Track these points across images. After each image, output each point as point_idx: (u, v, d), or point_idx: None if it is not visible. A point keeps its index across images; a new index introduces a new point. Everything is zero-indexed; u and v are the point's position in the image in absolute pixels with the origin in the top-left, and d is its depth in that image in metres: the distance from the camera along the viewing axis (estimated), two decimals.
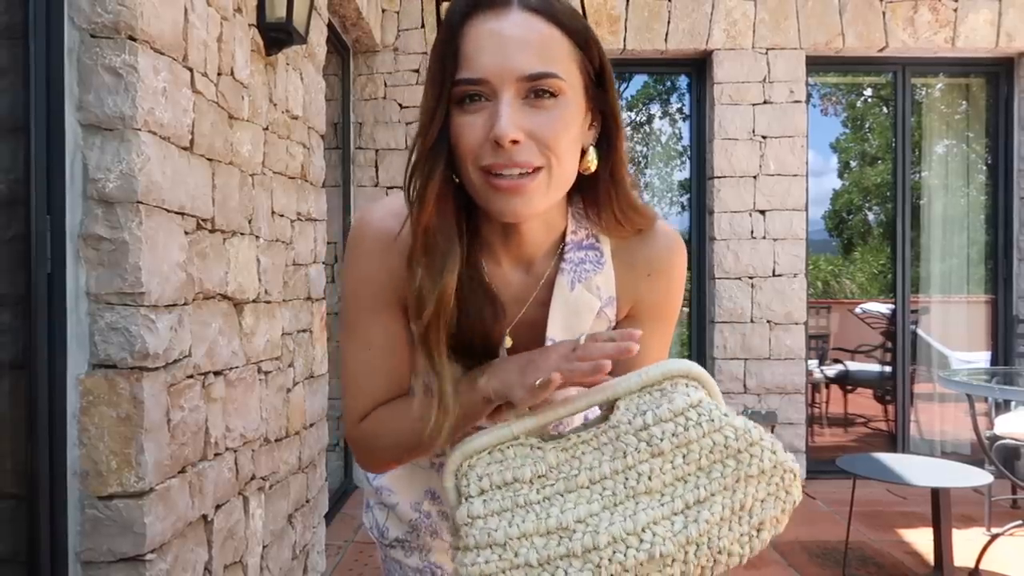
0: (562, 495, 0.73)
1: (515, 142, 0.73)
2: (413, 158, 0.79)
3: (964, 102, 4.87)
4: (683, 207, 4.74)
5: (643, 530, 0.70)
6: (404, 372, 0.89)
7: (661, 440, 0.73)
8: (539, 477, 0.74)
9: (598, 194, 0.85)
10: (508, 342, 0.86)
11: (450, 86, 0.75)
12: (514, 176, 0.74)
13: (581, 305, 0.86)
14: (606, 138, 0.84)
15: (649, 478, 0.72)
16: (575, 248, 0.87)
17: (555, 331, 0.85)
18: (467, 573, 0.73)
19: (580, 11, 0.81)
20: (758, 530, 0.73)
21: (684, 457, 0.73)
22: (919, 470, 2.71)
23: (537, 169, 0.75)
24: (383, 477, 1.01)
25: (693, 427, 0.73)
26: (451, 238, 0.80)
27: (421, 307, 0.79)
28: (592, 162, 0.83)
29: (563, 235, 0.87)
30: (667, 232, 0.90)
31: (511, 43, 0.74)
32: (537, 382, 0.72)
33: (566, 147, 0.76)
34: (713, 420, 0.73)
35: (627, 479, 0.73)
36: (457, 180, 0.80)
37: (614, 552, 0.70)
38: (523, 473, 0.74)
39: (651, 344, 0.90)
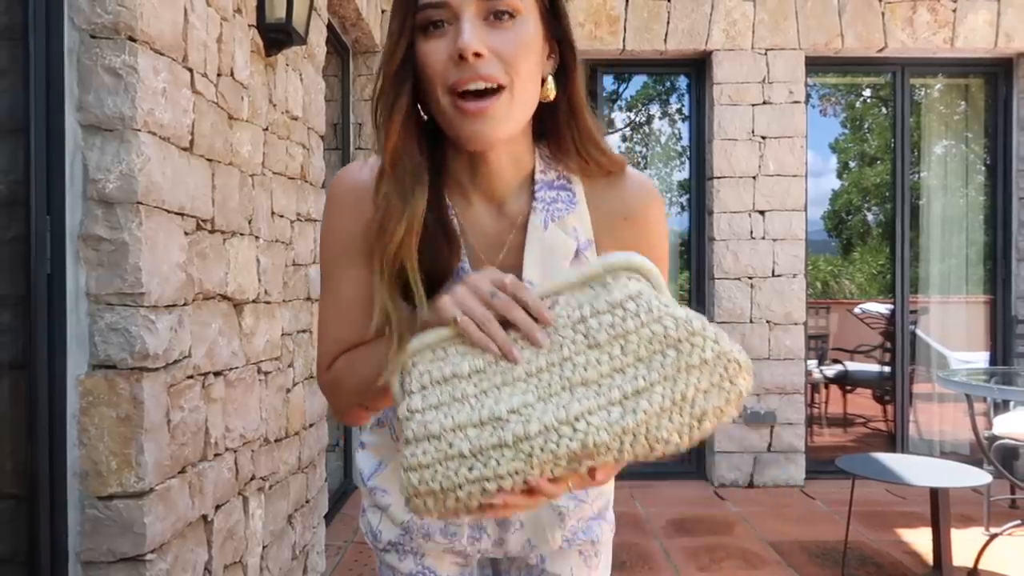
0: (498, 388, 0.73)
1: (478, 55, 0.75)
2: (379, 85, 0.82)
3: (963, 102, 4.87)
4: (682, 207, 4.75)
5: (576, 419, 0.70)
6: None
7: (598, 332, 0.72)
8: (477, 372, 0.74)
9: (559, 125, 0.87)
10: None
11: (413, 14, 0.78)
12: (480, 92, 0.77)
13: (557, 245, 0.87)
14: (564, 69, 0.86)
15: (585, 369, 0.72)
16: (546, 187, 0.88)
17: (532, 273, 0.86)
18: (407, 464, 0.74)
19: None
20: (699, 420, 0.72)
21: (622, 348, 0.72)
22: (918, 470, 2.71)
23: (500, 88, 0.77)
24: (376, 477, 1.01)
25: (631, 318, 0.72)
26: (418, 162, 0.82)
27: (388, 232, 0.80)
28: (551, 90, 0.85)
29: (532, 175, 0.89)
30: (640, 176, 0.92)
31: None
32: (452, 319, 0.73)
33: (527, 67, 0.79)
34: (652, 311, 0.72)
35: (563, 371, 0.73)
36: (426, 118, 0.83)
37: (546, 441, 0.70)
38: (461, 368, 0.74)
39: None
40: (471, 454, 0.72)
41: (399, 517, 0.99)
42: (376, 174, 0.85)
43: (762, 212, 4.29)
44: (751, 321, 4.28)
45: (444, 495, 0.73)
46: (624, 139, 5.27)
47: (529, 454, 0.70)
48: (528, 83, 0.80)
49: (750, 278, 4.29)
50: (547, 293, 0.75)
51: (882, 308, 4.90)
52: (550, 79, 0.86)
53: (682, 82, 4.80)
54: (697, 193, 4.51)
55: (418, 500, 0.73)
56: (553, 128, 0.88)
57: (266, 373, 2.31)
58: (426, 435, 0.73)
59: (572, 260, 0.88)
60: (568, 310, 0.74)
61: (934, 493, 2.72)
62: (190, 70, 1.79)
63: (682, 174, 4.79)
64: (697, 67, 4.49)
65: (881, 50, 4.32)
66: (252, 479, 2.18)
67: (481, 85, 0.77)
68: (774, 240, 4.29)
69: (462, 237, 0.86)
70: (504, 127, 0.79)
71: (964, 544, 3.14)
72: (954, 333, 4.78)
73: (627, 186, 0.90)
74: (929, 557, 3.00)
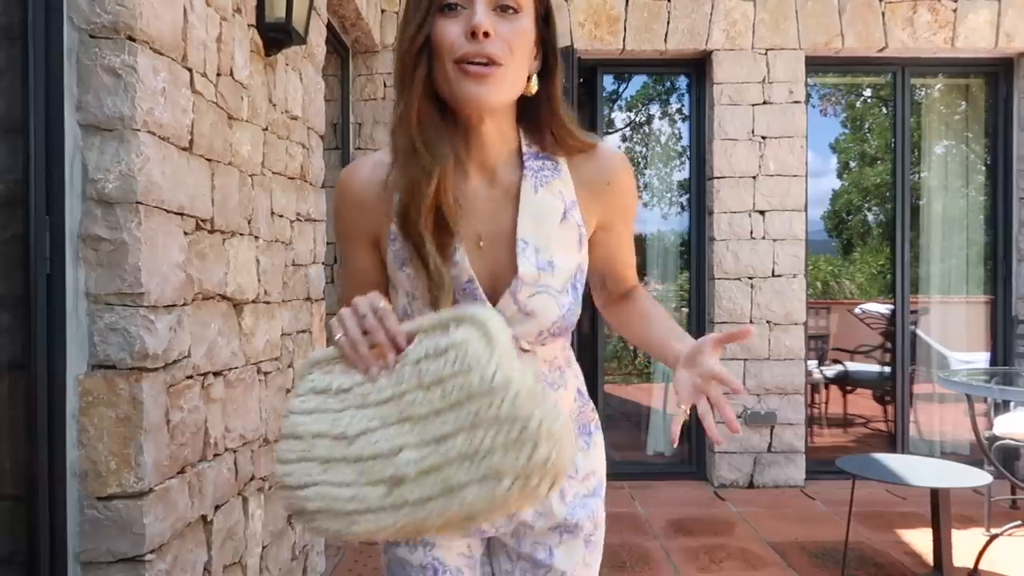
0: (356, 408, 0.83)
1: (487, 35, 0.90)
2: (403, 57, 0.95)
3: (963, 102, 4.87)
4: (682, 207, 4.74)
5: (398, 452, 0.78)
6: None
7: (426, 374, 0.79)
8: (343, 391, 0.85)
9: (539, 112, 1.02)
10: (480, 243, 0.99)
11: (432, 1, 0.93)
12: (479, 64, 0.91)
13: (546, 206, 1.00)
14: (547, 69, 1.02)
15: (412, 406, 0.79)
16: (532, 158, 1.03)
17: (525, 232, 0.98)
18: (277, 456, 0.87)
19: None
20: (498, 476, 0.73)
21: (440, 393, 0.78)
22: (919, 470, 2.71)
23: (498, 65, 0.92)
24: None
25: (449, 366, 0.78)
26: (439, 124, 0.96)
27: (418, 189, 0.93)
28: (534, 86, 1.00)
29: (519, 150, 1.03)
30: (611, 149, 1.09)
31: None
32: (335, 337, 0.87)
33: (520, 54, 0.94)
34: (467, 362, 0.76)
35: (399, 405, 0.80)
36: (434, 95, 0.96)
37: (374, 465, 0.79)
38: (332, 385, 0.86)
39: (624, 245, 1.12)
40: (322, 460, 0.83)
41: None
42: (388, 160, 0.99)
43: (762, 212, 4.29)
44: (751, 321, 4.28)
45: (294, 494, 0.83)
46: (624, 139, 5.27)
47: (361, 472, 0.80)
48: (519, 67, 0.95)
49: (750, 278, 4.29)
50: (413, 329, 0.84)
51: (882, 308, 4.89)
52: (535, 77, 1.00)
53: (682, 82, 4.80)
54: (697, 193, 4.51)
55: (280, 492, 0.84)
56: (534, 119, 1.03)
57: (266, 373, 2.30)
58: (294, 434, 0.85)
59: (560, 219, 1.01)
60: (416, 350, 0.82)
61: (934, 493, 2.72)
62: (189, 70, 1.79)
63: (682, 174, 4.79)
64: (697, 67, 4.48)
65: (881, 50, 4.32)
66: (252, 479, 2.18)
67: (484, 60, 0.91)
68: (774, 240, 4.28)
69: (459, 208, 0.97)
70: (497, 95, 0.93)
71: (965, 545, 3.14)
72: (954, 333, 4.78)
73: (602, 157, 1.06)
74: (929, 558, 3.00)
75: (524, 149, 1.03)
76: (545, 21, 0.99)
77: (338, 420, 0.84)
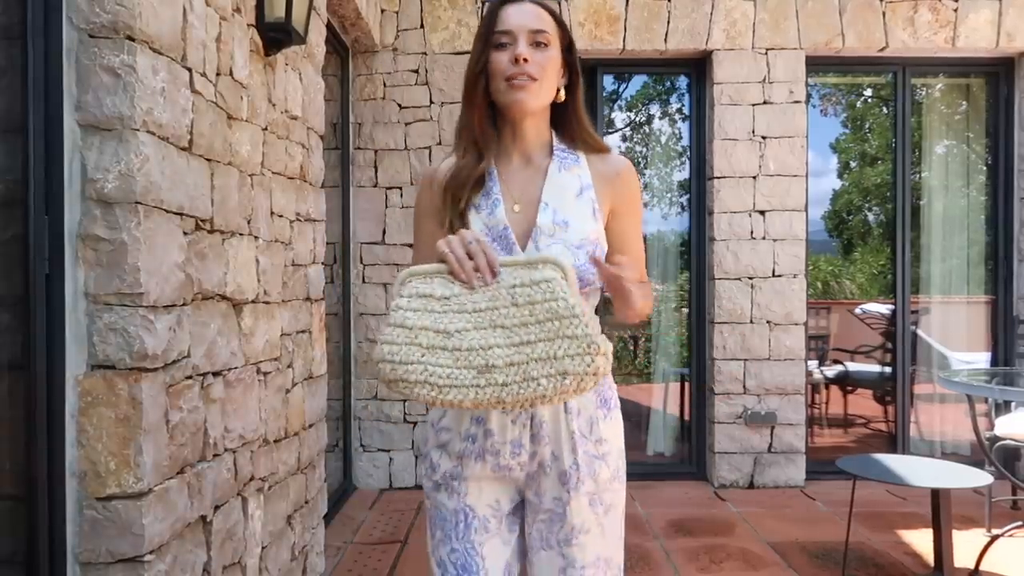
0: (455, 313, 1.13)
1: (526, 60, 1.29)
2: (466, 86, 1.36)
3: (964, 102, 4.87)
4: (683, 207, 4.74)
5: (489, 348, 1.10)
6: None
7: (519, 296, 1.11)
8: (444, 298, 1.15)
9: (567, 117, 1.41)
10: (516, 207, 1.35)
11: (490, 37, 1.32)
12: (522, 80, 1.30)
13: (566, 182, 1.36)
14: (572, 84, 1.41)
15: (504, 317, 1.11)
16: (560, 150, 1.39)
17: (548, 197, 1.34)
18: (384, 339, 1.15)
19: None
20: (562, 375, 1.07)
21: (529, 311, 1.10)
22: (919, 471, 2.71)
23: (534, 80, 1.31)
24: (443, 420, 1.36)
25: (540, 293, 1.10)
26: (489, 134, 1.36)
27: (472, 166, 1.33)
28: (562, 95, 1.39)
29: (550, 144, 1.40)
30: (620, 156, 1.44)
31: (525, 14, 1.33)
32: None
33: (550, 74, 1.33)
34: (554, 293, 1.09)
35: (492, 315, 1.12)
36: (489, 107, 1.36)
37: (468, 355, 1.11)
38: (436, 292, 1.15)
39: (631, 232, 1.42)
40: (425, 347, 1.13)
41: (456, 449, 1.33)
42: (449, 162, 1.38)
43: (762, 212, 4.28)
44: (751, 321, 4.28)
45: (398, 367, 1.13)
46: (624, 139, 5.26)
47: (457, 360, 1.11)
48: (550, 82, 1.34)
49: (750, 278, 4.29)
50: (503, 261, 1.15)
51: (883, 308, 4.89)
52: (562, 89, 1.39)
53: (682, 82, 4.80)
54: (697, 193, 4.51)
55: (383, 365, 1.14)
56: (563, 120, 1.41)
57: (265, 373, 2.30)
58: (401, 323, 1.14)
59: (577, 194, 1.35)
60: (509, 278, 1.13)
61: (935, 494, 2.71)
62: (189, 69, 1.79)
63: (682, 174, 4.78)
64: (697, 67, 4.48)
65: (882, 50, 4.32)
66: (251, 480, 2.18)
67: (524, 78, 1.30)
68: (774, 240, 4.28)
69: (502, 184, 1.36)
70: (534, 101, 1.33)
71: (965, 545, 3.14)
72: (955, 333, 4.78)
73: (613, 158, 1.42)
74: (930, 558, 3.00)
75: (555, 143, 1.40)
76: (569, 50, 1.38)
77: (440, 319, 1.13)
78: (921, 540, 3.33)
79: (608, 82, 4.85)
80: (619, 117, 5.31)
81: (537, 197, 1.33)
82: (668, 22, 4.26)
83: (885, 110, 5.09)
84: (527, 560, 1.40)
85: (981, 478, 2.61)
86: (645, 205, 4.93)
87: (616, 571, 1.37)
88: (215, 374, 1.94)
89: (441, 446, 1.35)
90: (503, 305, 1.11)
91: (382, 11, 4.25)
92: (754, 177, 4.28)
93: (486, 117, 1.35)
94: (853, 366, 5.30)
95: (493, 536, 1.35)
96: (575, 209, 1.32)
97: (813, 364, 5.21)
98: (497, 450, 1.29)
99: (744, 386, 4.28)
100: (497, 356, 1.09)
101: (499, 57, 1.31)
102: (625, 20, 4.26)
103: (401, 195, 4.27)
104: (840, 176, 6.20)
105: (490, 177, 1.35)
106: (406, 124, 4.28)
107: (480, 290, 1.14)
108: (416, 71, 4.27)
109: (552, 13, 1.36)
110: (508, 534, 1.38)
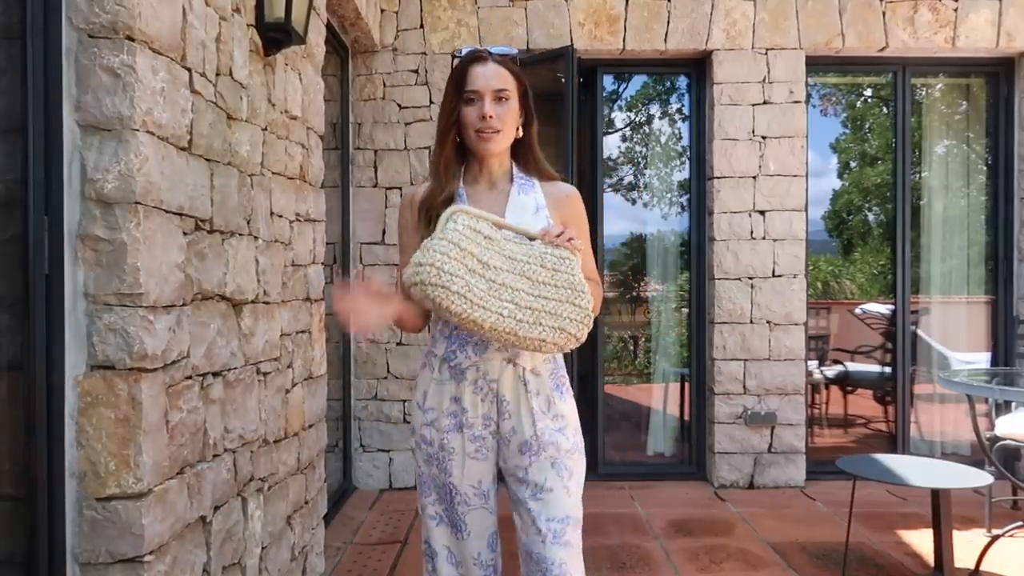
0: (496, 253, 1.49)
1: (491, 117, 1.62)
2: (440, 129, 1.70)
3: (964, 102, 4.86)
4: (682, 207, 4.74)
5: (516, 290, 1.48)
6: None
7: (547, 261, 1.51)
8: (489, 239, 1.50)
9: (523, 149, 1.74)
10: None
11: (460, 94, 1.65)
12: (488, 132, 1.63)
13: (524, 202, 1.68)
14: (528, 123, 1.73)
15: (532, 271, 1.50)
16: (519, 177, 1.72)
17: (510, 214, 1.65)
18: (436, 248, 1.45)
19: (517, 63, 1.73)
20: (560, 329, 1.49)
21: (552, 275, 1.50)
22: (919, 471, 2.71)
23: (497, 132, 1.64)
24: (428, 399, 1.69)
25: (563, 265, 1.51)
26: (455, 167, 1.70)
27: (439, 190, 1.66)
28: (520, 132, 1.71)
29: (511, 173, 1.73)
30: (567, 184, 1.79)
31: (489, 77, 1.64)
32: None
33: (510, 123, 1.66)
34: (572, 270, 1.51)
35: (523, 267, 1.50)
36: (457, 142, 1.71)
37: (499, 289, 1.47)
38: (483, 231, 1.50)
39: (584, 248, 1.63)
40: (468, 270, 1.45)
41: (443, 424, 1.65)
42: (427, 186, 1.72)
43: (762, 212, 4.28)
44: (751, 321, 4.27)
45: (443, 275, 1.43)
46: (624, 139, 5.27)
47: (490, 289, 1.46)
48: (510, 128, 1.67)
49: (750, 278, 4.28)
50: (537, 234, 1.56)
51: (883, 308, 4.89)
52: (520, 127, 1.71)
53: (682, 82, 4.79)
54: (697, 193, 4.51)
55: (427, 268, 1.43)
56: (521, 152, 1.75)
57: (265, 374, 2.30)
58: (454, 243, 1.46)
59: (533, 212, 1.67)
60: (539, 247, 1.52)
61: (935, 494, 2.71)
62: (188, 70, 1.79)
63: (682, 174, 4.78)
64: (697, 67, 4.48)
65: (882, 50, 4.32)
66: (251, 480, 2.17)
67: (489, 131, 1.64)
68: (774, 240, 4.28)
69: (471, 202, 1.65)
70: (497, 147, 1.68)
71: (965, 545, 3.14)
72: (955, 333, 4.78)
73: (563, 185, 1.76)
74: (930, 558, 2.99)
75: (515, 172, 1.73)
76: (525, 95, 1.69)
77: (484, 252, 1.48)
78: (921, 540, 3.33)
79: (608, 82, 4.85)
80: (619, 117, 5.32)
81: (501, 214, 1.63)
82: (668, 22, 4.26)
83: (885, 110, 5.09)
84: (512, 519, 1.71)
85: (981, 478, 2.60)
86: (645, 205, 4.95)
87: (576, 525, 1.65)
88: (215, 374, 1.94)
89: (430, 424, 1.67)
90: (534, 263, 1.49)
91: (382, 11, 4.24)
92: (754, 177, 4.28)
93: (454, 155, 1.68)
94: (853, 366, 5.30)
95: (475, 509, 1.68)
96: (532, 223, 1.62)
97: (813, 364, 5.21)
98: (472, 423, 1.64)
99: (744, 386, 4.28)
100: (521, 297, 1.46)
101: (469, 111, 1.63)
102: (625, 20, 4.26)
103: (401, 195, 4.27)
104: (840, 176, 6.20)
105: (460, 198, 1.64)
106: (406, 124, 4.28)
107: (519, 244, 1.51)
108: (416, 71, 4.27)
109: (510, 69, 1.66)
110: (492, 503, 1.71)
